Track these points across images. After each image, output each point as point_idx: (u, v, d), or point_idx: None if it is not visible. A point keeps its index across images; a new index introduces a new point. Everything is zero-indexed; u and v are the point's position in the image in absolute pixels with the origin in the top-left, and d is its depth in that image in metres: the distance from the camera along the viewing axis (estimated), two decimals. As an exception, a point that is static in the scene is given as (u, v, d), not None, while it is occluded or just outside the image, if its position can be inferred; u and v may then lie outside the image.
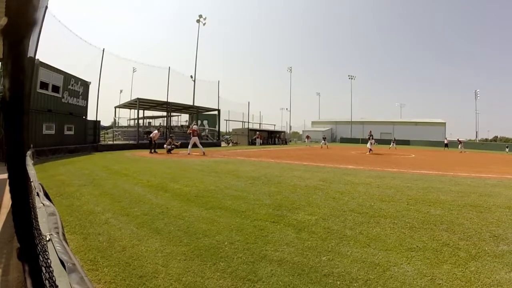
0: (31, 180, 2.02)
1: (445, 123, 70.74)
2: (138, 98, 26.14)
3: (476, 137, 66.33)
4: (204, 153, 17.25)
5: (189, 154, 17.16)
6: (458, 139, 34.75)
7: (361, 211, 4.65)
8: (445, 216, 4.36)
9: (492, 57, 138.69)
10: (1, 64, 10.17)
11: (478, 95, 68.47)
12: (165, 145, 20.00)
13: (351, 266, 2.73)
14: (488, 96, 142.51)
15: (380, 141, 57.40)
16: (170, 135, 22.64)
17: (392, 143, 37.61)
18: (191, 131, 18.50)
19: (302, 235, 3.56)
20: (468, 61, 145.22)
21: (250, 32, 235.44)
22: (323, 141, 36.68)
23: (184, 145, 20.37)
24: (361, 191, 6.21)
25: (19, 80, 0.64)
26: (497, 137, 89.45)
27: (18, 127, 0.68)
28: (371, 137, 23.59)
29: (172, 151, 19.47)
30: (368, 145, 23.54)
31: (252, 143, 40.03)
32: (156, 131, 20.02)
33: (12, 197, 0.82)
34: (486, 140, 72.82)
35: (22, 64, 0.63)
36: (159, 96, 33.00)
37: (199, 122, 37.67)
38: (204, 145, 27.15)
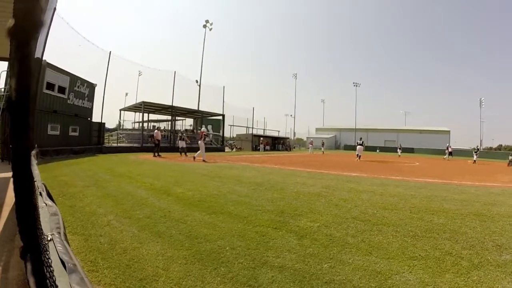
0: (35, 180, 2.03)
1: (449, 131, 70.27)
2: (143, 102, 26.35)
3: (481, 145, 65.82)
4: (194, 159, 16.11)
5: (204, 161, 15.50)
6: (447, 146, 34.10)
7: (363, 218, 4.62)
8: (448, 225, 4.32)
9: (498, 65, 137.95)
10: (8, 64, 10.33)
11: (483, 103, 68.21)
12: (180, 146, 20.76)
13: (352, 274, 2.71)
14: (493, 104, 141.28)
15: (384, 149, 57.37)
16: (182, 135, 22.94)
17: (398, 150, 37.66)
18: (201, 134, 17.20)
19: (304, 242, 3.54)
20: (474, 68, 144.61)
21: (253, 36, 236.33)
22: (322, 147, 41.23)
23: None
24: (364, 198, 6.17)
25: (26, 80, 0.65)
26: (501, 145, 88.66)
27: (24, 127, 0.69)
28: (359, 143, 23.15)
29: (183, 154, 19.93)
30: (357, 151, 23.03)
31: (256, 148, 40.14)
32: (156, 131, 20.23)
33: (16, 196, 0.82)
34: (491, 148, 72.20)
35: (28, 65, 0.64)
36: (164, 99, 33.06)
37: (203, 127, 37.82)
38: (208, 150, 27.20)
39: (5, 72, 10.93)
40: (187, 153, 19.96)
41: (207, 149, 18.26)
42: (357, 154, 22.73)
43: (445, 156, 32.56)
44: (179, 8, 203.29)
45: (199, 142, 16.77)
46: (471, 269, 2.86)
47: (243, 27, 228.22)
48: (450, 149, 32.84)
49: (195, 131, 35.16)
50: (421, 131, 72.44)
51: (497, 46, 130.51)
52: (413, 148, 58.43)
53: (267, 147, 41.88)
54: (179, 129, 34.56)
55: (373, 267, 2.86)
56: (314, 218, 4.57)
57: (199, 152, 16.47)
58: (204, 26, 44.33)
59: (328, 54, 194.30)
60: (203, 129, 18.78)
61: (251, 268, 2.78)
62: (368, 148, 35.32)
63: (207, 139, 35.76)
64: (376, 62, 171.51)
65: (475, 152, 27.41)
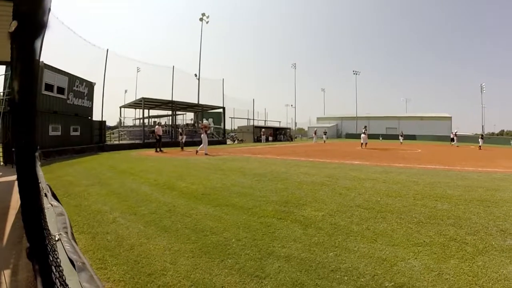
0: (39, 181, 2.04)
1: (451, 117, 69.79)
2: (143, 98, 26.24)
3: (482, 131, 65.52)
4: (197, 152, 16.12)
5: (206, 154, 15.56)
6: (454, 133, 33.75)
7: (367, 206, 4.63)
8: (452, 211, 4.33)
9: (498, 50, 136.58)
10: (6, 67, 10.26)
11: (484, 89, 67.64)
12: (180, 140, 20.95)
13: (358, 262, 2.73)
14: (494, 89, 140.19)
15: (386, 136, 57.19)
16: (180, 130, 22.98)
17: (400, 137, 37.50)
18: (202, 127, 17.05)
19: (309, 231, 3.57)
20: (474, 54, 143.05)
21: (252, 28, 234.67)
22: (324, 136, 41.75)
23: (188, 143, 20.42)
24: (368, 186, 6.18)
25: (29, 82, 0.65)
26: (503, 131, 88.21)
27: (28, 128, 0.69)
28: (363, 132, 24.31)
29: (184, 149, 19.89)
30: (362, 140, 24.11)
31: (257, 140, 40.12)
32: (157, 126, 20.21)
33: (22, 198, 0.83)
34: (493, 134, 71.81)
35: (32, 67, 0.64)
36: (164, 95, 32.97)
37: (204, 120, 37.76)
38: (210, 143, 27.21)
39: (3, 76, 10.84)
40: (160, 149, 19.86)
41: (209, 142, 18.09)
42: (361, 143, 23.57)
43: (453, 143, 32.14)
44: (178, 6, 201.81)
45: (202, 136, 16.71)
46: (476, 254, 2.87)
47: (242, 24, 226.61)
48: (452, 135, 32.56)
49: (196, 125, 35.09)
50: (422, 118, 72.00)
51: (503, 33, 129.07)
52: (415, 135, 58.21)
53: (270, 138, 41.93)
54: (179, 123, 34.53)
55: (378, 254, 2.88)
56: (318, 207, 4.59)
57: (201, 145, 16.44)
58: (201, 19, 43.95)
59: (328, 43, 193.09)
60: (205, 121, 18.29)
61: (258, 259, 2.80)
62: (371, 136, 35.20)
63: (208, 131, 35.77)
64: (376, 51, 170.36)
65: (481, 137, 27.36)
